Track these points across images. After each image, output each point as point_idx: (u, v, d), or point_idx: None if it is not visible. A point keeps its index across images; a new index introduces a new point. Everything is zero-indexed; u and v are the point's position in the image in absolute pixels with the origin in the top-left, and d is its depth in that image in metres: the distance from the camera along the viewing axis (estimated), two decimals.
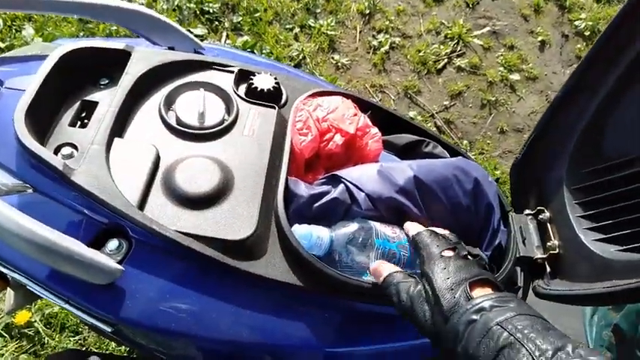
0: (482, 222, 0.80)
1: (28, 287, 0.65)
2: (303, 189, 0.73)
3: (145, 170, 0.66)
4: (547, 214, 0.83)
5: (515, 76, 2.34)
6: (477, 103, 2.25)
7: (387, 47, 2.32)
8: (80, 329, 1.52)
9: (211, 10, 2.27)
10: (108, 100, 0.72)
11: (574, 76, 0.77)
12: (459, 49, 2.40)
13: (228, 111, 0.79)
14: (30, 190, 0.64)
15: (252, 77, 0.83)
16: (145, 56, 0.78)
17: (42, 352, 1.46)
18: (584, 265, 0.72)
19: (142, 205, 0.64)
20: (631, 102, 0.73)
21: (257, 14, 2.29)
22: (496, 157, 2.12)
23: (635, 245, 0.66)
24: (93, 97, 0.74)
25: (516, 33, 2.52)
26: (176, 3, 2.25)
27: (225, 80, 0.82)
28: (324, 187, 0.73)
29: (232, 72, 0.84)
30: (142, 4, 2.27)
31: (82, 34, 2.22)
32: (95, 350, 1.50)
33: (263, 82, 0.83)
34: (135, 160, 0.67)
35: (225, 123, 0.76)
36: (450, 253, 0.59)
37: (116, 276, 0.59)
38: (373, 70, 2.27)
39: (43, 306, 1.51)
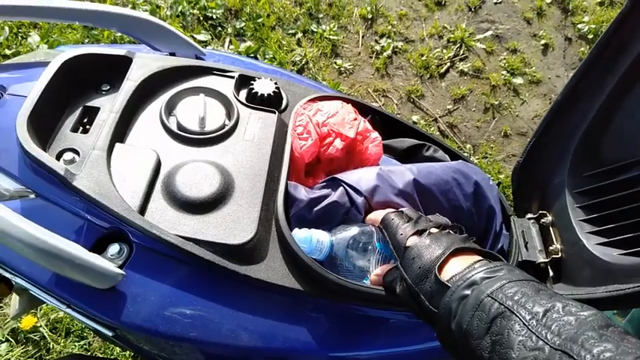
0: (484, 225, 0.79)
1: (30, 292, 0.65)
2: (303, 193, 0.73)
3: (145, 175, 0.67)
4: (549, 217, 0.83)
5: (518, 80, 2.33)
6: (480, 107, 2.25)
7: (389, 52, 2.32)
8: (85, 334, 1.53)
9: (214, 16, 2.28)
10: (109, 105, 0.73)
11: (574, 79, 0.77)
12: (461, 52, 2.40)
13: (229, 116, 0.80)
14: (32, 196, 0.65)
15: (252, 82, 0.84)
16: (145, 62, 0.78)
17: (47, 357, 1.47)
18: (587, 269, 0.72)
19: (142, 209, 0.64)
20: (631, 105, 0.73)
21: (260, 20, 2.30)
22: (500, 160, 2.11)
23: (637, 249, 0.65)
24: (94, 102, 0.75)
25: (519, 36, 2.52)
26: (179, 9, 2.27)
27: (225, 85, 0.83)
28: (324, 191, 0.73)
29: (233, 77, 0.84)
30: (146, 11, 2.30)
31: (86, 40, 2.24)
32: (100, 355, 1.51)
33: (263, 87, 0.83)
34: (136, 165, 0.68)
35: (226, 128, 0.77)
36: (414, 240, 0.58)
37: (117, 280, 0.59)
38: (376, 74, 2.27)
39: (49, 311, 1.51)
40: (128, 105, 0.72)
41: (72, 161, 0.67)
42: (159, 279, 0.62)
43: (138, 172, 0.67)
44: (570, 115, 0.79)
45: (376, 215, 0.67)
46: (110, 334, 0.63)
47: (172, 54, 0.87)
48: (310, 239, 0.67)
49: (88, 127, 0.73)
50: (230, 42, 2.24)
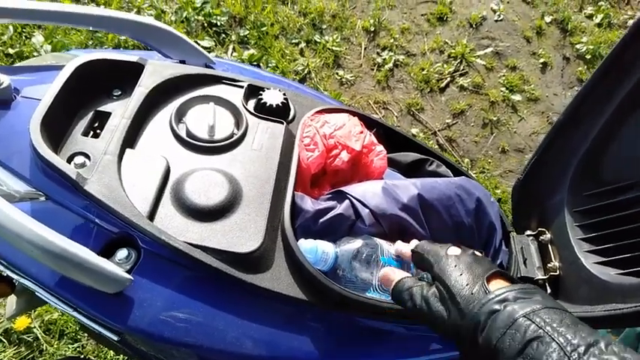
0: (484, 241, 0.81)
1: (36, 293, 0.66)
2: (309, 204, 0.74)
3: (155, 181, 0.67)
4: (548, 235, 0.84)
5: (516, 97, 2.37)
6: (478, 122, 2.28)
7: (391, 64, 2.35)
8: (79, 337, 1.52)
9: (219, 23, 2.30)
10: (120, 111, 0.74)
11: (576, 101, 0.79)
12: (462, 68, 2.43)
13: (238, 125, 0.81)
14: (42, 198, 0.65)
15: (261, 92, 0.85)
16: (157, 69, 0.80)
17: (40, 359, 1.46)
18: (585, 287, 0.73)
19: (151, 215, 0.65)
20: (632, 127, 0.74)
21: (264, 28, 2.32)
22: (497, 176, 2.13)
23: (635, 269, 0.66)
24: (105, 107, 0.76)
25: (519, 54, 2.55)
26: (184, 15, 2.29)
27: (234, 95, 0.84)
28: (330, 203, 0.74)
29: (242, 87, 0.86)
30: (151, 15, 2.31)
31: (90, 42, 2.25)
32: (93, 358, 1.50)
33: (272, 97, 0.84)
34: (145, 171, 0.68)
35: (235, 137, 0.78)
36: (457, 251, 0.59)
37: (125, 285, 0.59)
38: (377, 86, 2.30)
39: (43, 312, 1.51)
40: (139, 111, 0.73)
41: (83, 165, 0.68)
42: (165, 285, 0.63)
43: (147, 178, 0.68)
44: (572, 135, 0.81)
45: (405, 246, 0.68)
46: (115, 338, 0.64)
47: (182, 62, 0.89)
48: (316, 250, 0.68)
49: (98, 131, 0.73)
50: (233, 49, 2.26)
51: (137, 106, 0.73)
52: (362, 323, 0.70)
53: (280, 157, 0.77)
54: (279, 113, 0.84)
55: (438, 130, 2.20)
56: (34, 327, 1.49)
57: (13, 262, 0.62)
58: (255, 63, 2.22)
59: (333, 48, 2.34)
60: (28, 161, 0.66)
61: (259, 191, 0.73)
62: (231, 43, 2.28)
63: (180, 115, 0.79)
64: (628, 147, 0.75)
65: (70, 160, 0.68)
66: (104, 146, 0.68)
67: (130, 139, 0.72)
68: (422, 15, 2.62)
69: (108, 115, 0.74)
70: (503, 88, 2.39)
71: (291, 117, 0.87)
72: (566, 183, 0.82)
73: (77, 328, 1.52)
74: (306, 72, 2.24)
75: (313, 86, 2.21)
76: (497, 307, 0.48)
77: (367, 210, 0.72)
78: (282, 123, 0.83)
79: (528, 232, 0.88)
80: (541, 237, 0.85)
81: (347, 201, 0.73)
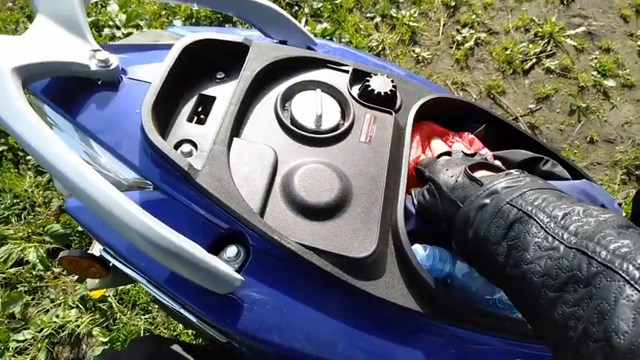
0: None
1: (144, 287, 0.64)
2: (411, 206, 0.68)
3: (265, 174, 0.63)
4: None
5: (609, 82, 2.16)
6: (565, 109, 2.10)
7: (471, 43, 2.20)
8: (150, 308, 1.55)
9: None
10: (225, 95, 0.69)
11: None
12: (549, 48, 2.24)
13: (344, 114, 0.75)
14: (150, 188, 0.62)
15: (368, 78, 0.78)
16: (262, 51, 0.74)
17: (114, 327, 1.50)
18: None
19: (262, 211, 0.61)
20: None
21: (338, 1, 2.23)
22: (583, 168, 1.98)
23: None
24: (209, 91, 0.72)
25: (614, 35, 2.33)
26: None
27: (339, 80, 0.78)
28: None
29: (347, 72, 0.79)
30: None
31: (164, 12, 2.24)
32: (165, 333, 1.53)
33: (380, 84, 0.77)
34: (254, 162, 0.64)
35: (342, 128, 0.72)
36: (446, 157, 0.65)
37: (236, 286, 0.56)
38: (455, 66, 2.17)
39: None
40: (246, 96, 0.69)
41: (190, 154, 0.64)
42: (275, 287, 0.59)
43: (257, 171, 0.63)
44: None
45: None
46: (223, 340, 0.61)
47: (283, 42, 0.83)
48: (432, 257, 0.63)
49: (202, 116, 0.70)
50: (306, 22, 2.18)
51: (244, 91, 0.68)
52: (479, 339, 0.64)
53: (390, 152, 0.71)
54: (386, 102, 0.77)
55: (520, 116, 2.05)
56: (109, 296, 1.54)
57: (124, 254, 0.59)
58: (328, 38, 2.14)
59: (410, 23, 2.22)
60: (137, 148, 0.63)
61: (369, 189, 0.67)
62: (303, 16, 2.21)
63: (284, 101, 0.74)
64: None
65: (176, 147, 0.65)
66: (212, 134, 0.64)
67: (237, 127, 0.68)
68: None
69: (212, 99, 0.70)
70: (595, 72, 2.19)
71: (397, 106, 0.80)
72: None
73: (149, 300, 1.55)
74: (380, 48, 2.14)
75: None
76: (486, 200, 0.50)
77: None
78: (391, 113, 0.76)
79: None
80: None
81: None
